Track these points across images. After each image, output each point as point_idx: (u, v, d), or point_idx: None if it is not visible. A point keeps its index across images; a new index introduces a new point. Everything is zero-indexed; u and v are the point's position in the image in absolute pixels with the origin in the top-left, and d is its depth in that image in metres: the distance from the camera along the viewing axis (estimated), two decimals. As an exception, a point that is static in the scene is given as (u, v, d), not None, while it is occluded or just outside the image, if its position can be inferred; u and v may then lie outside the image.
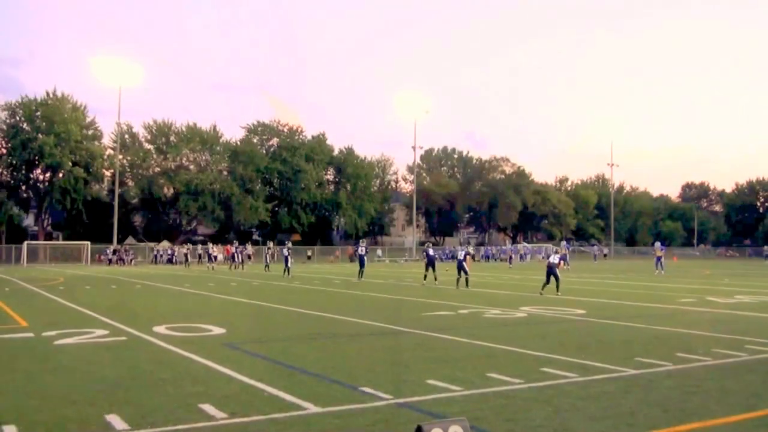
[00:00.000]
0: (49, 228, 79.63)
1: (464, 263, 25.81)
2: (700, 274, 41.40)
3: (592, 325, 14.47)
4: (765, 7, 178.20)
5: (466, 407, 7.01)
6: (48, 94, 72.02)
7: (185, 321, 14.78)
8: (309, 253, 72.26)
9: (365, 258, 32.69)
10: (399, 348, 11.06)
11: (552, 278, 21.92)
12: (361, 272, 32.00)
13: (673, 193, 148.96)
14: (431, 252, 28.16)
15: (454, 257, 25.62)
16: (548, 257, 23.01)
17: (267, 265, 41.91)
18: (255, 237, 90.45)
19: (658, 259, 40.34)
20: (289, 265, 36.25)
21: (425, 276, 27.99)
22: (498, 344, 11.33)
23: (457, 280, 25.75)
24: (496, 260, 72.74)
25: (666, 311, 17.44)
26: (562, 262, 22.90)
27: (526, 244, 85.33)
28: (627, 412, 6.83)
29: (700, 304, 19.38)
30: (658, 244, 43.11)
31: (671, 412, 6.85)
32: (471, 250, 27.49)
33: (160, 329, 13.25)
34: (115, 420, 6.52)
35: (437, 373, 8.73)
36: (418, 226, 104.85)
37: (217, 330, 13.19)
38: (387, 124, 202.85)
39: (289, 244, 39.23)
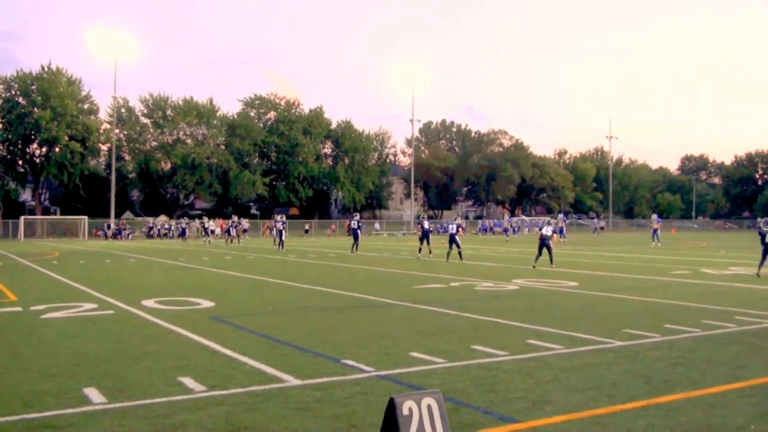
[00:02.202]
0: (46, 203, 79.56)
1: (456, 236, 25.70)
2: (696, 246, 41.37)
3: (583, 297, 14.42)
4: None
5: (446, 379, 6.96)
6: (43, 68, 71.51)
7: (175, 295, 14.73)
8: (306, 227, 72.16)
9: (359, 231, 32.58)
10: (386, 321, 11.01)
11: (545, 250, 21.81)
12: (355, 245, 31.92)
13: (673, 165, 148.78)
14: (426, 225, 28.03)
15: (447, 231, 25.56)
16: (540, 229, 22.86)
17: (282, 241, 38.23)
18: (253, 211, 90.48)
19: (655, 231, 40.32)
20: (283, 238, 36.17)
21: (420, 249, 27.92)
22: (486, 317, 11.27)
23: (448, 253, 25.68)
24: (493, 233, 72.65)
25: (659, 283, 17.40)
26: (555, 234, 22.69)
27: (524, 217, 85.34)
28: (609, 384, 6.77)
29: (693, 276, 19.34)
30: (654, 216, 43.09)
31: (654, 384, 6.80)
32: (462, 222, 27.18)
33: (149, 303, 13.19)
34: (92, 393, 6.46)
35: (422, 346, 8.67)
36: (416, 199, 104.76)
37: (207, 303, 13.13)
38: (386, 97, 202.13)
39: (283, 218, 38.96)
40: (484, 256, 30.05)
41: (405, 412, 4.80)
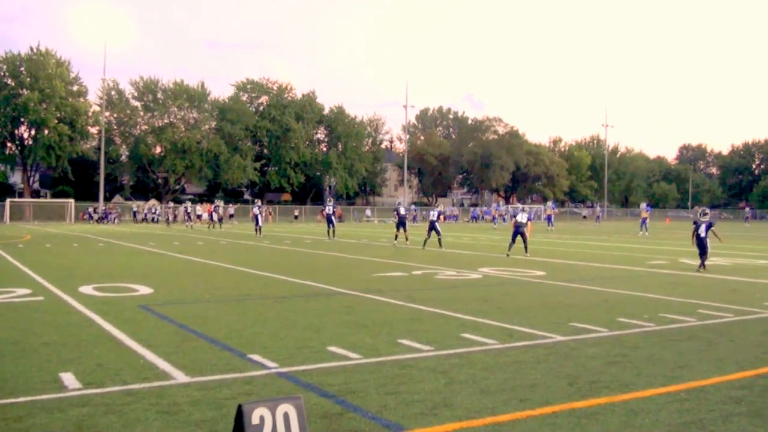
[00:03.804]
0: (36, 185, 78.81)
1: (436, 224, 25.04)
2: (685, 236, 40.62)
3: (544, 287, 13.75)
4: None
5: (350, 378, 6.31)
6: (32, 49, 70.54)
7: (119, 280, 14.08)
8: (296, 213, 71.47)
9: (333, 217, 31.89)
10: (323, 311, 10.34)
11: (519, 238, 21.13)
12: (331, 231, 31.29)
13: (671, 155, 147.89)
14: (402, 211, 27.37)
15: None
16: (514, 216, 22.16)
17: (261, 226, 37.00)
18: (246, 196, 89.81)
19: (644, 220, 39.71)
20: (260, 224, 35.57)
21: (396, 236, 27.28)
22: (431, 308, 10.60)
23: (425, 240, 25.02)
24: (484, 221, 71.96)
25: (631, 273, 16.75)
26: (530, 222, 22.01)
27: (519, 204, 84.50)
28: (527, 385, 6.11)
29: (670, 266, 18.69)
30: (643, 205, 42.47)
31: (578, 386, 6.14)
32: (443, 209, 26.51)
33: (87, 289, 12.56)
34: (-49, 390, 5.80)
35: (345, 340, 8.01)
36: (410, 186, 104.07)
37: (145, 290, 12.49)
38: (383, 83, 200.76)
39: (259, 203, 38.33)
40: (463, 244, 29.37)
41: (255, 420, 4.17)
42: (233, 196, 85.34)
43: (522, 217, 21.42)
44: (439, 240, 24.87)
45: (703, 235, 17.34)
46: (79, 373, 6.40)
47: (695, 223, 17.91)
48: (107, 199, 73.06)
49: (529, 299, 11.86)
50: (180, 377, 6.31)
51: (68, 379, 6.23)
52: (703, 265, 17.18)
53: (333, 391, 5.85)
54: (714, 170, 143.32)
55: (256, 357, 7.09)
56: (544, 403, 5.58)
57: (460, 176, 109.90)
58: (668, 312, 10.35)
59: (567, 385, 6.16)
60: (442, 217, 25.41)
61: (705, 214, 17.83)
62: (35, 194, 76.91)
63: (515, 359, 7.14)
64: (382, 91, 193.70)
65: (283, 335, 8.33)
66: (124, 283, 13.51)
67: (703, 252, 17.29)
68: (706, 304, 11.31)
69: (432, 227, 24.92)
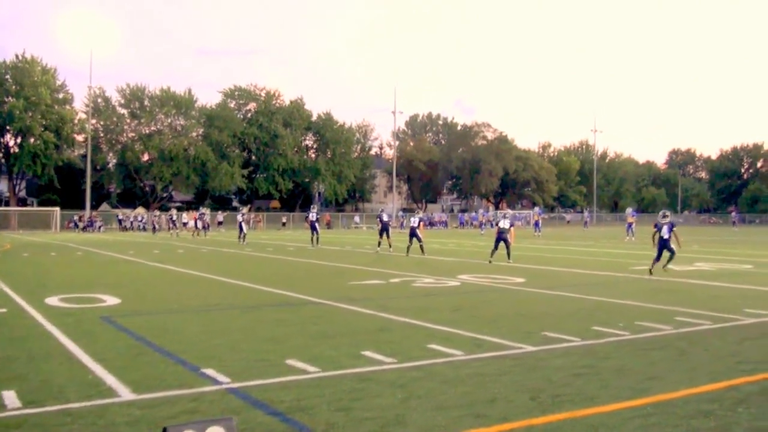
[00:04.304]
0: (22, 194, 78.16)
1: (417, 230, 24.77)
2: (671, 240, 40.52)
3: (522, 295, 13.51)
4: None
5: (303, 393, 6.03)
6: (17, 56, 70.00)
7: (88, 291, 13.74)
8: (284, 220, 71.08)
9: (317, 224, 31.55)
10: (290, 321, 10.06)
11: (502, 244, 20.89)
12: (315, 238, 30.96)
13: (661, 160, 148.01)
14: (385, 218, 27.10)
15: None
16: (497, 223, 21.91)
17: (245, 233, 36.52)
18: (235, 204, 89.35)
19: (629, 225, 39.57)
20: (244, 231, 35.33)
21: (379, 243, 27.01)
22: (402, 317, 10.33)
23: (408, 247, 24.74)
24: (472, 227, 71.77)
25: (612, 279, 16.52)
26: (513, 228, 21.75)
27: (509, 210, 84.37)
28: (486, 400, 5.85)
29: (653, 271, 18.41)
30: (629, 210, 42.34)
31: (540, 400, 5.88)
32: (423, 215, 26.23)
33: (53, 300, 12.24)
34: None
35: (306, 352, 7.74)
36: (400, 192, 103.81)
37: (113, 301, 12.18)
38: (375, 89, 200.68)
39: (244, 210, 38.11)
40: (447, 250, 29.12)
41: (180, 445, 3.89)
42: (221, 203, 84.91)
43: (505, 223, 21.17)
44: (421, 246, 24.59)
45: (666, 236, 16.95)
46: (22, 391, 6.11)
47: (656, 225, 17.39)
48: (94, 207, 72.56)
49: (504, 307, 11.61)
50: (125, 394, 6.03)
51: (9, 397, 5.93)
52: (665, 263, 17.14)
53: (282, 409, 5.58)
54: (703, 174, 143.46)
55: (209, 371, 6.81)
56: (502, 419, 5.32)
57: (450, 182, 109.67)
58: (645, 320, 10.11)
59: (529, 399, 5.90)
60: (422, 223, 24.99)
61: (665, 216, 17.35)
62: (22, 202, 76.25)
63: (478, 371, 6.88)
64: (372, 98, 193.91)
65: (243, 347, 8.04)
66: (92, 294, 13.18)
67: (668, 252, 17.06)
68: (684, 311, 11.08)
69: (413, 234, 24.66)
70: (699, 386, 6.40)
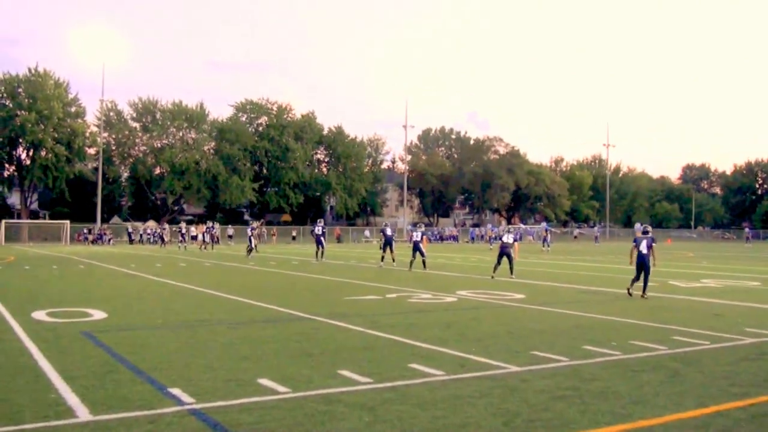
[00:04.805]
0: (34, 207, 78.48)
1: (421, 244, 24.48)
2: (682, 256, 40.10)
3: (518, 311, 13.20)
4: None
5: (266, 415, 5.78)
6: (30, 70, 70.44)
7: (78, 305, 13.57)
8: (294, 234, 70.94)
9: (323, 238, 31.33)
10: (274, 338, 9.80)
11: (505, 260, 20.57)
12: (320, 252, 30.76)
13: (675, 175, 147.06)
14: (389, 232, 26.86)
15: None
16: (500, 237, 21.58)
17: (253, 247, 36.28)
18: (246, 217, 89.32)
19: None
20: (252, 244, 35.26)
21: (383, 257, 26.75)
22: (391, 334, 10.07)
23: (411, 262, 24.46)
24: (483, 241, 71.37)
25: (612, 296, 16.14)
26: (517, 243, 21.42)
27: (512, 225, 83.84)
28: (457, 425, 5.57)
29: (656, 288, 17.96)
30: (638, 225, 41.81)
31: (513, 426, 5.59)
32: (425, 230, 25.92)
33: (39, 314, 12.04)
34: None
35: (281, 370, 7.49)
36: (411, 206, 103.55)
37: (99, 315, 11.99)
38: (389, 103, 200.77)
39: (254, 224, 38.06)
40: (452, 265, 28.80)
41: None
42: (232, 216, 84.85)
43: (508, 238, 20.85)
44: (424, 261, 24.33)
45: (645, 252, 15.43)
46: (-19, 411, 5.89)
47: (635, 240, 15.93)
48: (106, 220, 72.66)
49: (497, 325, 11.31)
50: (83, 415, 5.79)
51: (-36, 418, 5.71)
52: (643, 290, 15.43)
53: (239, 432, 5.32)
54: (717, 190, 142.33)
55: (175, 391, 6.57)
56: (469, 446, 5.04)
57: (462, 196, 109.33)
58: (640, 339, 9.80)
59: (501, 424, 5.62)
60: (425, 237, 24.69)
61: (646, 232, 16.15)
62: (33, 215, 76.54)
63: (456, 393, 6.59)
64: (385, 112, 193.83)
65: (218, 366, 7.79)
66: (81, 308, 12.99)
67: (646, 273, 15.39)
68: (683, 330, 10.75)
69: (416, 248, 24.38)
70: (685, 411, 6.10)
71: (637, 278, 15.61)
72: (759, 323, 11.61)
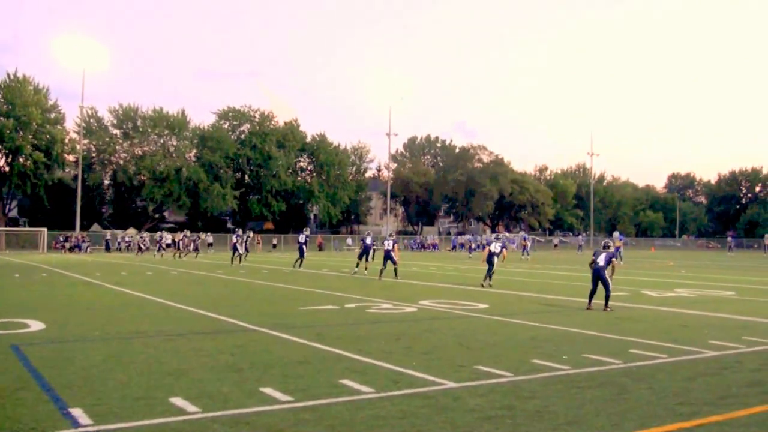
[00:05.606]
0: (13, 214, 77.52)
1: (392, 253, 24.06)
2: (661, 265, 39.81)
3: (476, 322, 12.75)
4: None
5: (160, 441, 5.27)
6: (9, 76, 69.62)
7: (19, 315, 13.00)
8: (274, 242, 70.30)
9: (305, 247, 30.94)
10: (206, 351, 9.27)
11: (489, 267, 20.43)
12: (299, 261, 30.40)
13: (660, 184, 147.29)
14: (369, 241, 26.55)
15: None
16: (487, 245, 21.32)
17: (242, 255, 35.92)
18: (230, 225, 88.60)
19: (617, 249, 38.76)
20: (239, 252, 35.05)
21: (357, 264, 26.40)
22: (333, 347, 9.59)
23: (381, 270, 24.04)
24: (464, 249, 70.95)
25: (579, 306, 15.62)
26: (504, 251, 21.16)
27: (506, 234, 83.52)
28: (367, 450, 5.09)
29: (626, 298, 17.63)
30: (616, 234, 41.75)
31: (429, 450, 5.11)
32: (395, 238, 25.52)
33: (-23, 325, 11.48)
34: None
35: (199, 388, 7.00)
36: (396, 215, 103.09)
37: (37, 326, 11.46)
38: (373, 111, 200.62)
39: (239, 232, 37.71)
40: (424, 273, 28.36)
41: None
42: (215, 224, 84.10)
43: (495, 247, 20.73)
44: (395, 270, 23.94)
45: (602, 264, 14.62)
46: None
47: (595, 253, 15.07)
48: (86, 228, 71.79)
49: (449, 337, 10.83)
50: (-40, 440, 5.28)
51: None
52: (606, 305, 14.67)
53: (122, 460, 4.83)
54: (702, 199, 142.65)
55: (75, 412, 6.06)
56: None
57: (446, 205, 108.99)
58: (595, 352, 9.36)
59: (417, 449, 5.15)
60: (396, 246, 24.30)
61: (607, 246, 15.32)
62: (13, 222, 75.56)
63: (378, 414, 6.12)
64: (371, 120, 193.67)
65: (135, 382, 7.29)
66: (21, 318, 12.44)
67: (605, 286, 14.64)
68: (642, 342, 10.33)
69: (387, 256, 23.98)
70: (622, 434, 5.66)
71: (593, 291, 14.95)
72: (725, 335, 11.18)
